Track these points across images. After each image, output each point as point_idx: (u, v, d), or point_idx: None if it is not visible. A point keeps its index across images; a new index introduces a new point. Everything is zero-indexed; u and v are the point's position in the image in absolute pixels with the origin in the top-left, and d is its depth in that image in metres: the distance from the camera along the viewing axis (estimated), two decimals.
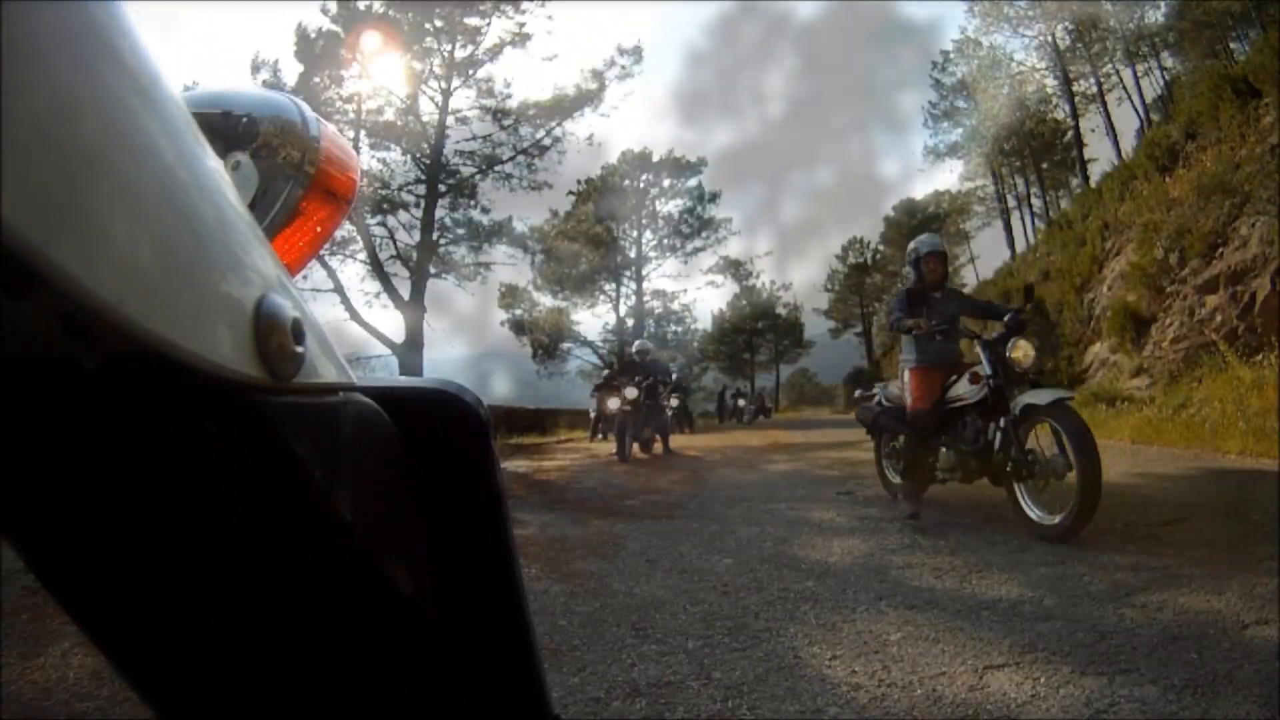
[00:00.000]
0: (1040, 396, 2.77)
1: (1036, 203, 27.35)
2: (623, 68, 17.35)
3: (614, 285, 29.23)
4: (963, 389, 3.18)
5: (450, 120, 16.45)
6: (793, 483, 4.83)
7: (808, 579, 2.27)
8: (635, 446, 6.59)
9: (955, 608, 1.90)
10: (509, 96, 16.83)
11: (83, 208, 0.13)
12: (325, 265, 14.32)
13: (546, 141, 17.36)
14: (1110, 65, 22.46)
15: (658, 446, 7.09)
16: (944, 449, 3.33)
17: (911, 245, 3.73)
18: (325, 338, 0.24)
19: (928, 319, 3.25)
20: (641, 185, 30.02)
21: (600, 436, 8.61)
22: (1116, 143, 22.36)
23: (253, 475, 0.20)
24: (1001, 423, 2.95)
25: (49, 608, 1.88)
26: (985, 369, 3.05)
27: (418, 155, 16.21)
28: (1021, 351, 3.00)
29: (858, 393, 4.51)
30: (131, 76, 0.16)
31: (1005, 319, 3.16)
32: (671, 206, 30.49)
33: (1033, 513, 2.78)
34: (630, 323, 28.14)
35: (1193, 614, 1.73)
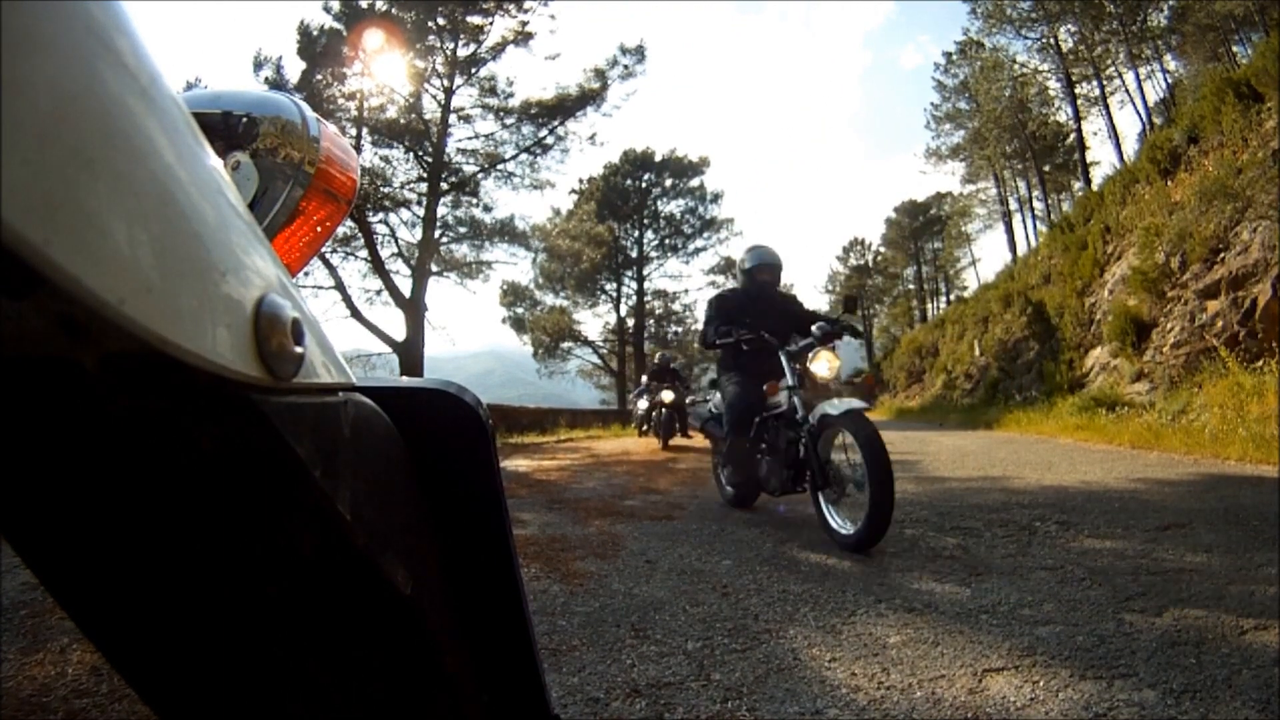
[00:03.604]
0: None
1: (1038, 205, 27.38)
2: (625, 67, 17.35)
3: (615, 285, 29.23)
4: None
5: (453, 118, 16.45)
6: None
7: (807, 581, 2.27)
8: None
9: (954, 611, 1.90)
10: (511, 95, 16.83)
11: (83, 208, 0.13)
12: (326, 263, 14.32)
13: (549, 140, 17.35)
14: (1113, 68, 22.45)
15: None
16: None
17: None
18: (325, 338, 0.24)
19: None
20: (644, 185, 30.02)
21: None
22: (1119, 146, 22.40)
23: (253, 475, 0.20)
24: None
25: (48, 603, 1.88)
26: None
27: (420, 153, 16.20)
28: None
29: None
30: (131, 76, 0.15)
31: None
32: (673, 206, 30.51)
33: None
34: (631, 322, 28.12)
35: (1191, 619, 1.73)
